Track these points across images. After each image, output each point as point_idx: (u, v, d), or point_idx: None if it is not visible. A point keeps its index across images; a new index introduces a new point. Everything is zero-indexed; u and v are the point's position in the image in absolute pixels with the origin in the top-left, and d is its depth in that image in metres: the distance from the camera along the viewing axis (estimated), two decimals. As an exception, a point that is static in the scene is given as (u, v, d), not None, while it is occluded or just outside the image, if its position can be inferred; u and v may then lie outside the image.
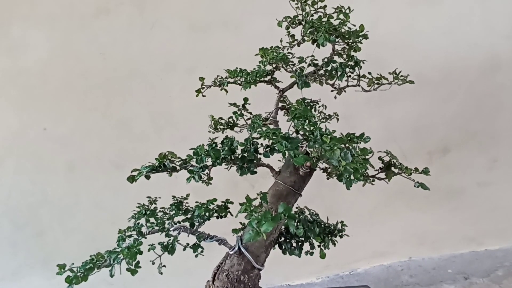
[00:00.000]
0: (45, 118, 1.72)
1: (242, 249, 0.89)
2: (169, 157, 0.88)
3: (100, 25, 1.70)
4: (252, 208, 0.73)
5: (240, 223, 1.05)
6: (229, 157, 0.84)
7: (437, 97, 1.97)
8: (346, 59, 0.98)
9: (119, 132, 1.78)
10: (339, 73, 0.95)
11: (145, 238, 0.89)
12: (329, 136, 0.69)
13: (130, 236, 0.91)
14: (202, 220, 0.95)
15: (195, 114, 1.80)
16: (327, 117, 1.06)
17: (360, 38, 0.91)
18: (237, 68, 1.00)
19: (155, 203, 1.03)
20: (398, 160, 0.90)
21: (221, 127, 1.04)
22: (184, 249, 0.94)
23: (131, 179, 0.86)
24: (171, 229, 0.90)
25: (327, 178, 0.96)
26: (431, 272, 1.90)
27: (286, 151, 0.71)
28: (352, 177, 0.77)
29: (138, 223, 0.95)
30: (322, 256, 0.98)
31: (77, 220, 1.83)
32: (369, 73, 0.97)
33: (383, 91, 1.95)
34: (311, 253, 1.01)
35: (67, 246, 1.83)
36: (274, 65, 0.97)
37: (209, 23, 1.76)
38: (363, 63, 0.97)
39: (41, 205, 1.79)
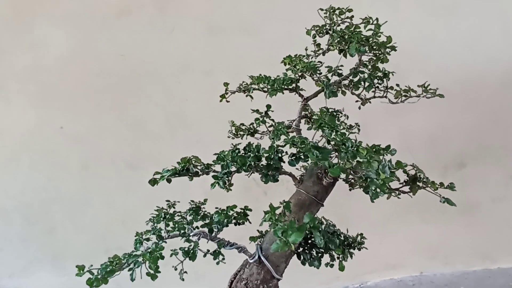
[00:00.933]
0: (62, 115, 1.74)
1: (262, 258, 0.87)
2: (193, 162, 0.87)
3: (120, 26, 1.72)
4: (276, 217, 0.72)
5: (258, 231, 1.04)
6: (253, 164, 0.83)
7: (455, 110, 1.94)
8: (371, 70, 0.97)
9: (133, 132, 1.79)
10: (367, 84, 0.94)
11: (165, 242, 0.88)
12: (365, 148, 0.68)
13: (148, 239, 0.91)
14: (220, 227, 0.94)
15: (209, 117, 1.81)
16: (348, 127, 1.05)
17: (389, 49, 0.90)
18: (261, 74, 1.00)
19: (174, 207, 1.02)
20: (425, 174, 0.88)
21: (242, 133, 1.04)
22: (205, 256, 0.93)
23: (153, 182, 0.85)
24: (191, 234, 0.89)
25: (350, 189, 0.95)
26: (443, 288, 1.86)
27: (318, 162, 0.70)
28: (378, 190, 0.76)
29: (157, 227, 0.94)
30: (341, 268, 0.96)
31: (88, 218, 1.83)
32: (397, 85, 0.96)
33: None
34: (331, 265, 0.99)
35: (78, 244, 1.83)
36: (300, 73, 0.96)
37: (228, 27, 1.77)
38: (392, 74, 0.96)
39: (54, 202, 1.80)
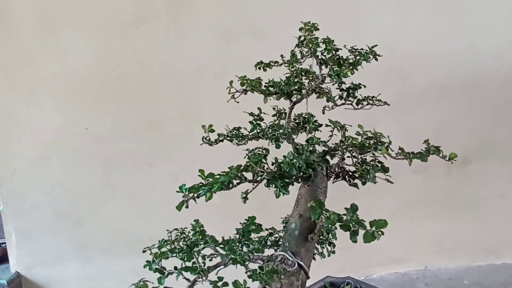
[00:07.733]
0: (87, 118, 1.88)
1: (302, 263, 0.84)
2: (255, 168, 0.77)
3: (138, 34, 1.85)
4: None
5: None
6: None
7: (459, 108, 1.98)
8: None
9: (152, 133, 1.92)
10: (345, 94, 1.05)
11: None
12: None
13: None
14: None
15: (222, 118, 1.92)
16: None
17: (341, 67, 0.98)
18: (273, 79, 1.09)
19: (184, 233, 0.92)
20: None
21: (220, 138, 1.02)
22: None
23: (181, 205, 0.75)
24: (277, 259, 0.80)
25: (349, 184, 1.02)
26: (446, 282, 1.92)
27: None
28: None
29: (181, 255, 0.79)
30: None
31: (111, 213, 1.98)
32: (360, 94, 1.05)
33: (405, 100, 1.98)
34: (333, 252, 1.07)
35: (101, 236, 1.99)
36: (296, 77, 1.05)
37: (238, 32, 1.87)
38: (364, 87, 1.04)
39: (80, 198, 1.95)
